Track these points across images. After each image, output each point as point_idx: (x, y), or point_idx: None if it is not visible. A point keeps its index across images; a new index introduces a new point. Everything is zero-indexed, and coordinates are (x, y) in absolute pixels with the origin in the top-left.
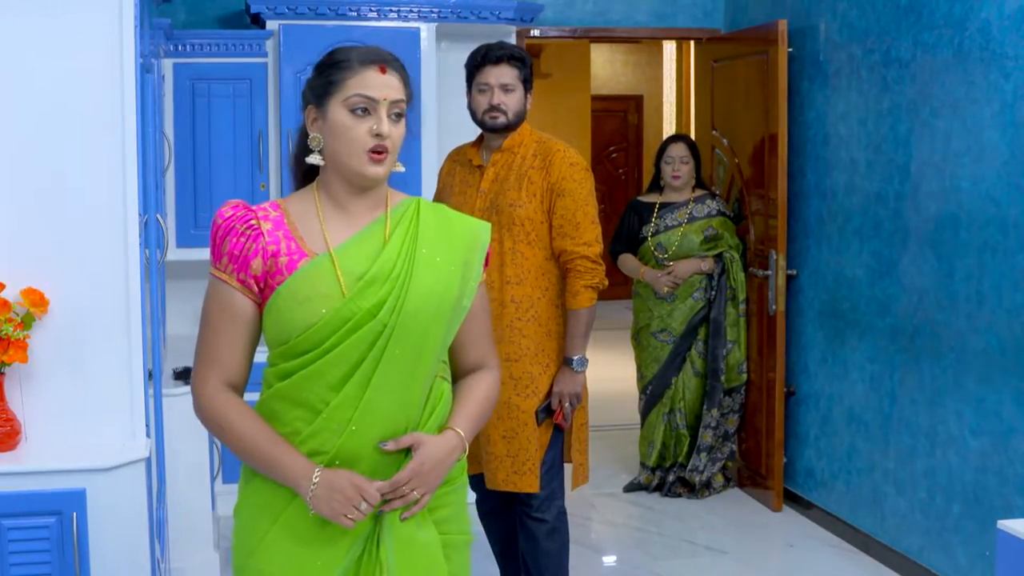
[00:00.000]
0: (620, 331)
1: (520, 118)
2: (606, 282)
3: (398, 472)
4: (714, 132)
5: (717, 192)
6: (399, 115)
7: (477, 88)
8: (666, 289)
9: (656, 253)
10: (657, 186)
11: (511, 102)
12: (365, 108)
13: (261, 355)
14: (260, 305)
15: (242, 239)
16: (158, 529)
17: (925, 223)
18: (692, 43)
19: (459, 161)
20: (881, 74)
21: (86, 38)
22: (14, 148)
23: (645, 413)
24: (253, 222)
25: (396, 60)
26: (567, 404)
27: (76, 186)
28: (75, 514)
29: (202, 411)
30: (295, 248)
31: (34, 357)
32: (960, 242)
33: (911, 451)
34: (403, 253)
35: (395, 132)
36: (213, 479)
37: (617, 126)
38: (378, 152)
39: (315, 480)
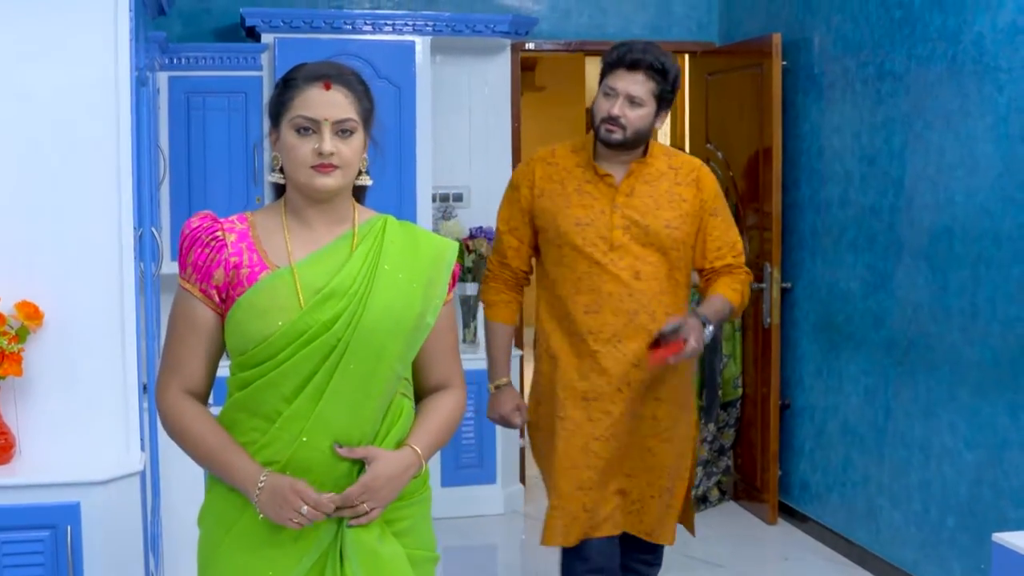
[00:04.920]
0: None
1: (640, 138)
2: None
3: (350, 487)
4: (708, 145)
5: None
6: (348, 132)
7: (603, 90)
8: None
9: None
10: None
11: (634, 118)
12: (308, 128)
13: (223, 369)
14: (222, 315)
15: (206, 250)
16: (152, 543)
17: (919, 236)
18: (687, 56)
19: (561, 165)
20: (875, 87)
21: (81, 51)
22: (9, 161)
23: None
24: (218, 233)
25: (346, 74)
26: (691, 342)
27: (71, 199)
28: (69, 527)
29: (163, 418)
30: (257, 260)
31: (29, 370)
32: (954, 255)
33: (906, 464)
34: (364, 269)
35: (344, 149)
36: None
37: None
38: (323, 166)
39: (260, 485)
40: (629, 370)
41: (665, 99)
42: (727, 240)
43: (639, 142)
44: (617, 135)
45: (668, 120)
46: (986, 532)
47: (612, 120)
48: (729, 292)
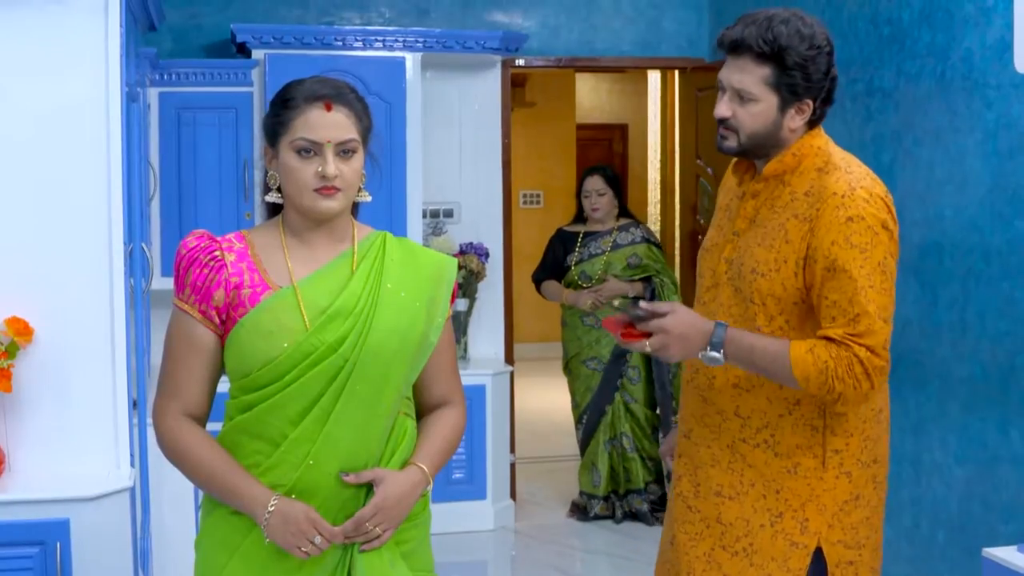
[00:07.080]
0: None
1: (763, 143)
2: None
3: (361, 509)
4: (699, 161)
5: (641, 221)
6: (350, 151)
7: (718, 85)
8: (589, 304)
9: (580, 282)
10: (581, 218)
11: (746, 118)
12: (310, 149)
13: (224, 386)
14: (221, 337)
15: (205, 270)
16: (142, 559)
17: (908, 251)
18: (677, 72)
19: (731, 177)
20: (864, 103)
21: (72, 67)
22: None
23: (585, 442)
24: (217, 253)
25: (346, 93)
26: (648, 342)
27: (61, 215)
28: (59, 544)
29: (162, 442)
30: (258, 280)
31: (18, 386)
32: (944, 270)
33: (896, 479)
34: (368, 288)
35: (346, 169)
36: (198, 508)
37: (602, 155)
38: (326, 189)
39: (270, 509)
40: (703, 464)
41: (791, 88)
42: (843, 305)
43: (763, 149)
44: (730, 141)
45: (658, 134)
46: (976, 547)
47: (721, 122)
48: (800, 350)
